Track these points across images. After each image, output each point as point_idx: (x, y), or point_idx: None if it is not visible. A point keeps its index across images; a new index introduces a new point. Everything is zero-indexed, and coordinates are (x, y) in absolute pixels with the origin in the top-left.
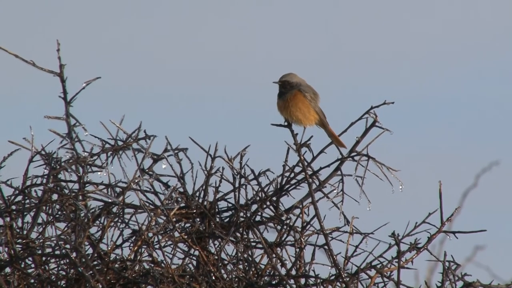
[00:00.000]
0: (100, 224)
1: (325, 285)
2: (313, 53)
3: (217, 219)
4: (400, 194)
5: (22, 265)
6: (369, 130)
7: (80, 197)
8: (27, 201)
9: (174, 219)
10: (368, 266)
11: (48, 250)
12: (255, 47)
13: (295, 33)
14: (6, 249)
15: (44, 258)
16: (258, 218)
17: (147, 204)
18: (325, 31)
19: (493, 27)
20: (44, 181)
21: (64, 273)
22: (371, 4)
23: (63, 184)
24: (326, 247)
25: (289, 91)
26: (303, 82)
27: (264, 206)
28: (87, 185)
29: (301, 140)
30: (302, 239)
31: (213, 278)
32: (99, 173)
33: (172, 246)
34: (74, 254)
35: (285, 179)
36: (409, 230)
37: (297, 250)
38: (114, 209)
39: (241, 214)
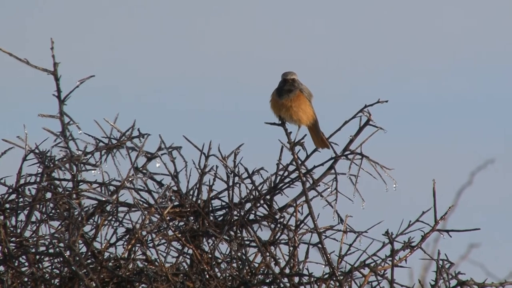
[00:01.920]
0: (94, 223)
1: (318, 283)
2: (309, 53)
3: (211, 218)
4: (394, 193)
5: (16, 264)
6: (363, 129)
7: (74, 196)
8: (21, 199)
9: (168, 218)
10: (362, 265)
11: (42, 248)
12: (250, 46)
13: (293, 31)
14: (0, 247)
15: (37, 257)
16: (252, 216)
17: (141, 203)
18: (324, 31)
19: (492, 28)
20: (38, 179)
21: (57, 271)
22: (372, 4)
23: (57, 182)
24: (319, 245)
25: (291, 91)
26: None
27: (258, 204)
28: (80, 183)
29: (294, 138)
30: (295, 237)
31: (207, 276)
32: (93, 171)
33: (166, 244)
34: (67, 253)
35: (279, 177)
36: (403, 228)
37: (291, 248)
38: (108, 208)
39: (235, 212)
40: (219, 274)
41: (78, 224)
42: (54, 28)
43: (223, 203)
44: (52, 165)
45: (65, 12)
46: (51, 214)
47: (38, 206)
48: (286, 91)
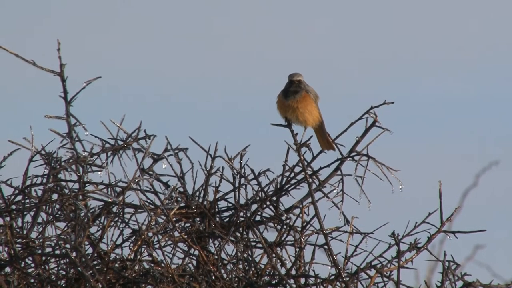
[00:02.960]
0: (100, 224)
1: (325, 284)
2: (312, 54)
3: (217, 219)
4: (400, 194)
5: (22, 265)
6: (369, 130)
7: (80, 197)
8: (27, 200)
9: (174, 219)
10: (368, 266)
11: (48, 249)
12: (255, 47)
13: (295, 33)
14: (6, 248)
15: (44, 258)
16: (258, 218)
17: (147, 204)
18: (326, 31)
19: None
20: (44, 180)
21: (64, 272)
22: (375, 5)
23: (63, 183)
24: (326, 246)
25: (297, 92)
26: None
27: (264, 206)
28: (87, 184)
29: (301, 140)
30: (302, 238)
31: (213, 277)
32: (99, 172)
33: (172, 245)
34: (74, 254)
35: (285, 179)
36: (409, 230)
37: (297, 249)
38: (114, 209)
39: (241, 214)
40: (225, 275)
41: (84, 225)
42: (60, 29)
43: (229, 204)
44: (58, 166)
45: (71, 13)
46: (57, 215)
47: (44, 207)
48: (292, 93)
